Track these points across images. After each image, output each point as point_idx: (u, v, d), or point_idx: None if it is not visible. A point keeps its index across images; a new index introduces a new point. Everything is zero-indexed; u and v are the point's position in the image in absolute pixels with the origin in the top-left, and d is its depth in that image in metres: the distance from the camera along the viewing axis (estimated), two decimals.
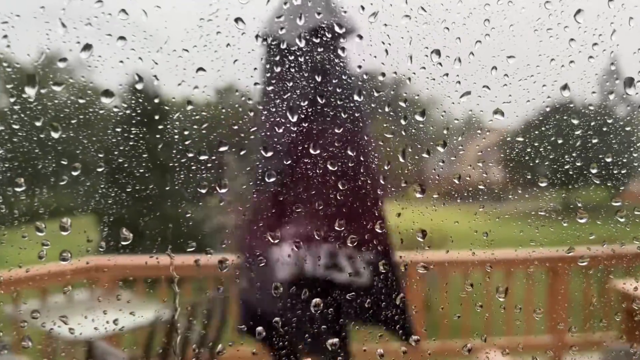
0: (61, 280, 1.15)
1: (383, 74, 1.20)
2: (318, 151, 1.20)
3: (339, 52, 1.23)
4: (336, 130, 1.24)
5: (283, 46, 1.19)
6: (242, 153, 1.19)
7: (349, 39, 1.22)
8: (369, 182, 1.29)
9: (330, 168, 1.20)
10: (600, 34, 1.22)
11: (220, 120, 1.16)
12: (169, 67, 1.20)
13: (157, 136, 1.17)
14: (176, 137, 1.18)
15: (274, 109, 1.22)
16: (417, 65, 1.21)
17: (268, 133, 1.27)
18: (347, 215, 1.24)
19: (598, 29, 1.22)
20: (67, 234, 1.12)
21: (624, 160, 1.27)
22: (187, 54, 1.18)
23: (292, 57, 1.20)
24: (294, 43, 1.19)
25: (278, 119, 1.22)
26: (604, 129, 1.28)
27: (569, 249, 1.23)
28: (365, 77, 1.22)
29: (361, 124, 1.36)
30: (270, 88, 1.22)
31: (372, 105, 1.22)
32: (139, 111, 1.17)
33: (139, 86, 1.16)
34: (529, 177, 1.34)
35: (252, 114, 1.20)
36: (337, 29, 1.20)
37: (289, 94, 1.21)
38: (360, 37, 1.18)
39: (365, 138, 1.32)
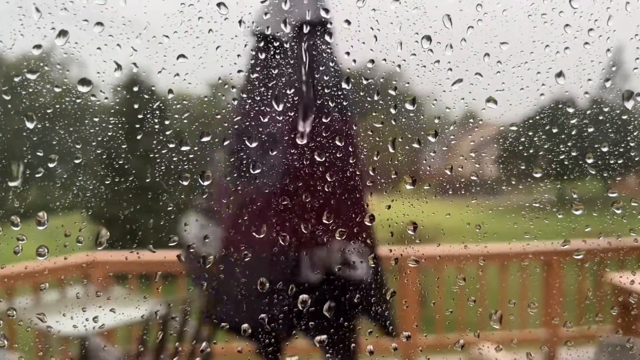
0: (39, 277, 1.11)
1: (372, 61, 1.15)
2: (304, 141, 1.16)
3: (326, 38, 1.18)
4: (323, 120, 1.20)
5: (268, 32, 1.15)
6: (225, 144, 1.15)
7: (336, 25, 1.17)
8: (356, 173, 1.25)
9: (316, 159, 1.16)
10: (596, 19, 1.18)
11: (203, 110, 1.12)
12: (148, 54, 1.15)
13: (137, 126, 1.13)
14: (156, 127, 1.13)
15: (258, 98, 1.17)
16: (407, 52, 1.17)
17: (252, 122, 1.22)
18: (332, 207, 1.21)
19: (594, 14, 1.18)
20: (43, 228, 1.07)
21: (620, 150, 1.23)
22: (168, 40, 1.14)
23: (277, 44, 1.16)
24: (279, 29, 1.15)
25: (263, 108, 1.17)
26: (600, 118, 1.25)
27: (564, 242, 1.19)
28: (353, 64, 1.17)
29: (349, 113, 1.31)
30: (254, 76, 1.18)
31: (361, 93, 1.18)
32: (117, 100, 1.12)
33: (117, 74, 1.12)
34: (523, 168, 1.30)
35: (235, 102, 1.15)
36: (323, 13, 1.15)
37: (273, 82, 1.17)
38: (348, 22, 1.14)
39: (353, 127, 1.28)
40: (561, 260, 1.35)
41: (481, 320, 1.27)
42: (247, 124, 1.22)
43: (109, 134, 1.14)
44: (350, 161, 1.24)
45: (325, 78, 1.20)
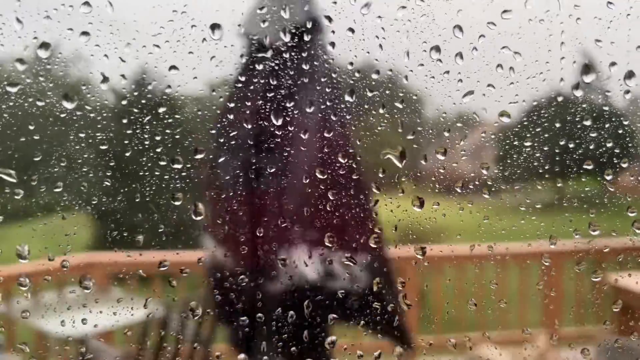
0: (35, 279, 1.07)
1: (377, 72, 1.08)
2: (304, 157, 1.09)
3: (328, 47, 1.11)
4: (325, 134, 1.13)
5: (265, 41, 1.07)
6: (220, 161, 1.07)
7: (339, 33, 1.10)
8: (358, 187, 1.19)
9: (318, 176, 1.09)
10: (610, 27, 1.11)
11: (197, 124, 1.04)
12: (138, 65, 1.08)
13: (126, 142, 1.05)
14: (146, 143, 1.06)
15: (254, 109, 1.10)
16: (414, 62, 1.10)
17: (249, 134, 1.16)
18: (336, 223, 1.15)
19: (613, 20, 1.11)
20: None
21: (622, 151, 1.16)
22: (159, 50, 1.06)
23: (276, 53, 1.09)
24: (278, 38, 1.08)
25: (259, 121, 1.10)
26: (601, 119, 1.18)
27: (553, 241, 1.13)
28: (357, 75, 1.10)
29: (350, 126, 1.24)
30: (251, 87, 1.11)
31: (366, 106, 1.11)
32: (104, 114, 1.05)
33: (104, 86, 1.04)
34: (523, 170, 1.23)
35: (231, 116, 1.08)
36: (325, 21, 1.08)
37: (271, 94, 1.10)
38: (352, 30, 1.06)
39: (353, 141, 1.21)
40: (560, 261, 1.31)
41: (480, 320, 1.24)
42: (243, 135, 1.15)
43: (94, 150, 1.07)
44: (352, 176, 1.17)
45: (327, 90, 1.13)
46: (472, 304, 1.19)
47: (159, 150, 1.06)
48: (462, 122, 1.14)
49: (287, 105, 1.09)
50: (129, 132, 1.06)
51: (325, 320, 1.23)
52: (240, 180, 1.22)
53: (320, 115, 1.17)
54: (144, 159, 1.06)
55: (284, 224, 1.23)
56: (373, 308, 1.30)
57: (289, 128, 1.10)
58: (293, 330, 1.22)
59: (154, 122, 1.06)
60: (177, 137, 1.06)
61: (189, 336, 1.62)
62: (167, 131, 1.06)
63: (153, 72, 1.06)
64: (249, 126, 1.10)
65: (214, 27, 1.03)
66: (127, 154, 1.05)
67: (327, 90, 1.13)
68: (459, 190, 1.12)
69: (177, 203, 1.05)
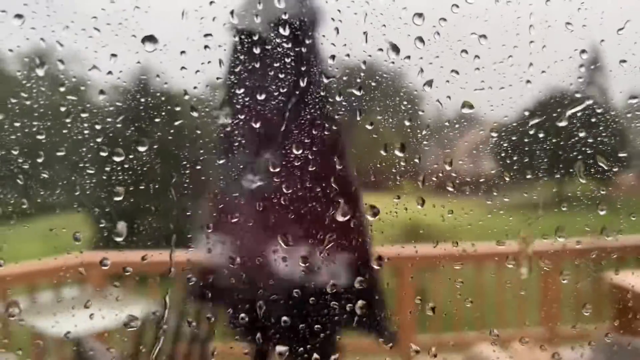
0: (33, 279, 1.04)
1: (332, 57, 1.01)
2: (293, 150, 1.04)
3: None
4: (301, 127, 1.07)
5: (244, 35, 1.02)
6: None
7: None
8: (347, 179, 1.14)
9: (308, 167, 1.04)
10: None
11: (139, 112, 0.98)
12: (77, 49, 1.01)
13: (64, 132, 0.98)
14: (86, 132, 0.99)
15: (239, 105, 1.04)
16: (374, 47, 1.03)
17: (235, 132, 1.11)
18: (326, 217, 1.10)
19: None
20: None
21: (618, 150, 1.11)
22: (98, 34, 0.99)
23: (261, 46, 1.03)
24: (264, 30, 1.02)
25: (245, 116, 1.05)
26: (593, 120, 1.12)
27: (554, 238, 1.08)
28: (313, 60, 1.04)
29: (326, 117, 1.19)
30: (234, 81, 1.04)
31: (322, 93, 1.04)
32: (40, 102, 0.98)
33: (40, 72, 0.98)
34: (517, 168, 1.17)
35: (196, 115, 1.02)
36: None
37: (255, 87, 1.04)
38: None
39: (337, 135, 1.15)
40: (559, 260, 1.26)
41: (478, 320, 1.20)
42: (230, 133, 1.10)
43: (28, 141, 1.00)
44: (341, 167, 1.11)
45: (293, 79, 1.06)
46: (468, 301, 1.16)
47: (99, 140, 1.00)
48: (425, 110, 1.07)
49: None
50: (67, 120, 0.99)
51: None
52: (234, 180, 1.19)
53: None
54: (83, 149, 1.00)
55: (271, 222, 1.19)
56: (358, 307, 1.27)
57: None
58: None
59: (94, 111, 1.00)
60: (119, 126, 1.00)
61: (187, 335, 1.60)
62: (108, 119, 1.00)
63: (93, 57, 1.00)
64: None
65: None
66: (65, 145, 0.99)
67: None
68: (420, 186, 1.06)
69: (118, 198, 0.99)
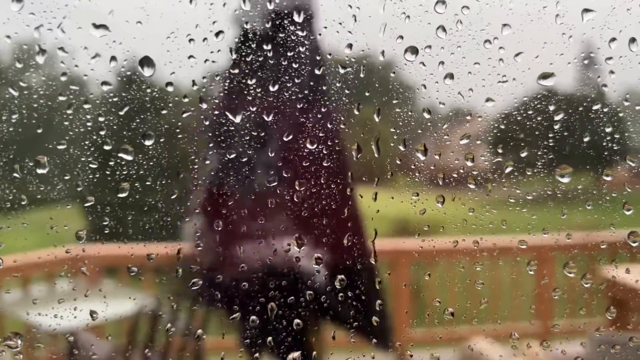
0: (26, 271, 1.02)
1: (350, 46, 0.96)
2: (290, 139, 0.99)
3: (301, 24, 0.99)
4: (305, 117, 1.02)
5: (248, 27, 0.97)
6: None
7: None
8: (343, 170, 1.10)
9: (304, 157, 0.99)
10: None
11: (145, 103, 0.92)
12: (79, 37, 0.95)
13: (65, 124, 0.93)
14: (89, 125, 0.94)
15: (236, 96, 0.99)
16: (393, 36, 0.98)
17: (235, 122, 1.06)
18: (319, 209, 1.06)
19: None
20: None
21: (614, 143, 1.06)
22: (102, 21, 0.93)
23: (267, 47, 0.98)
24: (261, 21, 0.97)
25: (246, 105, 0.99)
26: (590, 114, 1.07)
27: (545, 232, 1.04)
28: (329, 55, 0.99)
29: (332, 108, 1.13)
30: (235, 71, 0.99)
31: (338, 84, 0.99)
32: (40, 92, 0.93)
33: (40, 59, 0.92)
34: (515, 161, 1.12)
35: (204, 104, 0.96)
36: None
37: (255, 78, 0.99)
38: None
39: (336, 125, 1.10)
40: (554, 254, 1.23)
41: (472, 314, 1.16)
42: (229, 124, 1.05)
43: (27, 132, 0.94)
44: (337, 158, 1.07)
45: (302, 68, 1.01)
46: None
47: (102, 133, 0.94)
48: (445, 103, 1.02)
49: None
50: (69, 112, 0.93)
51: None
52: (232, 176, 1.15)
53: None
54: (86, 142, 0.94)
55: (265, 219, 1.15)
56: (355, 307, 1.23)
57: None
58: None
59: (97, 102, 0.94)
60: (123, 119, 0.94)
61: (180, 328, 1.59)
62: (112, 110, 0.94)
63: (97, 44, 0.94)
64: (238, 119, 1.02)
65: None
66: (66, 138, 0.93)
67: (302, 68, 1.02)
68: (440, 182, 1.01)
69: (122, 195, 0.93)
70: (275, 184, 1.08)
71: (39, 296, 1.22)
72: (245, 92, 0.98)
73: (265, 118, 1.03)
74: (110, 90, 0.94)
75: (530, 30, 1.02)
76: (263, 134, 1.08)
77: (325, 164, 1.06)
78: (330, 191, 1.10)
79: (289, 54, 0.98)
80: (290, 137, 1.04)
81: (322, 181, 1.07)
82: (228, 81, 1.03)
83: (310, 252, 1.20)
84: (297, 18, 0.96)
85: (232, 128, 1.07)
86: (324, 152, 1.05)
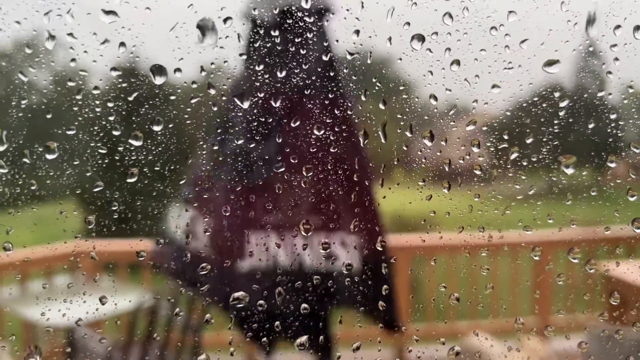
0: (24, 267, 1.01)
1: (357, 32, 0.97)
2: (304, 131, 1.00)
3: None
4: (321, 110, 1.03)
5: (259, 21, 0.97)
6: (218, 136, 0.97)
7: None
8: (357, 167, 1.11)
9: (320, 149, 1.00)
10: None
11: (153, 89, 0.93)
12: (89, 22, 0.96)
13: (74, 109, 0.93)
14: (97, 110, 0.94)
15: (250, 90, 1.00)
16: (399, 24, 0.98)
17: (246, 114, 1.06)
18: (335, 201, 1.07)
19: None
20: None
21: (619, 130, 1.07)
22: (112, 6, 0.94)
23: (275, 33, 0.98)
24: (274, 16, 0.97)
25: (258, 100, 1.00)
26: (595, 101, 1.08)
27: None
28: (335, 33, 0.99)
29: (346, 103, 1.14)
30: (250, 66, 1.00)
31: (346, 70, 0.99)
32: (50, 78, 0.93)
33: (49, 45, 0.92)
34: (518, 156, 1.13)
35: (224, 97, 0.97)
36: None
37: (268, 71, 0.99)
38: None
39: (353, 120, 1.11)
40: (556, 250, 1.24)
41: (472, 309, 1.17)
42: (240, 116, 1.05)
43: (35, 120, 0.95)
44: (353, 151, 1.08)
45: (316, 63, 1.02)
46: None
47: (111, 119, 0.94)
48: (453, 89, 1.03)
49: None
50: (78, 97, 0.94)
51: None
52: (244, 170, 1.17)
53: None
54: (95, 127, 0.95)
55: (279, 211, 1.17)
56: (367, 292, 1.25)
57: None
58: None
59: (106, 87, 0.94)
60: (131, 105, 0.94)
61: (179, 324, 1.59)
62: (121, 95, 0.95)
63: (106, 30, 0.94)
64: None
65: None
66: (75, 124, 0.94)
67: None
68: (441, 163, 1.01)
69: (131, 180, 0.94)
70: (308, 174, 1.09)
71: (38, 292, 1.23)
72: (253, 78, 0.99)
73: (273, 104, 1.04)
74: (119, 75, 0.95)
75: (535, 17, 1.03)
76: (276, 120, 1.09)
77: (350, 153, 1.07)
78: (354, 182, 1.11)
79: (296, 40, 0.99)
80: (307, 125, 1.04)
81: (349, 170, 1.09)
82: (236, 67, 1.04)
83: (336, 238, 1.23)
84: (305, 4, 0.97)
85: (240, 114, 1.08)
86: (338, 139, 1.05)
